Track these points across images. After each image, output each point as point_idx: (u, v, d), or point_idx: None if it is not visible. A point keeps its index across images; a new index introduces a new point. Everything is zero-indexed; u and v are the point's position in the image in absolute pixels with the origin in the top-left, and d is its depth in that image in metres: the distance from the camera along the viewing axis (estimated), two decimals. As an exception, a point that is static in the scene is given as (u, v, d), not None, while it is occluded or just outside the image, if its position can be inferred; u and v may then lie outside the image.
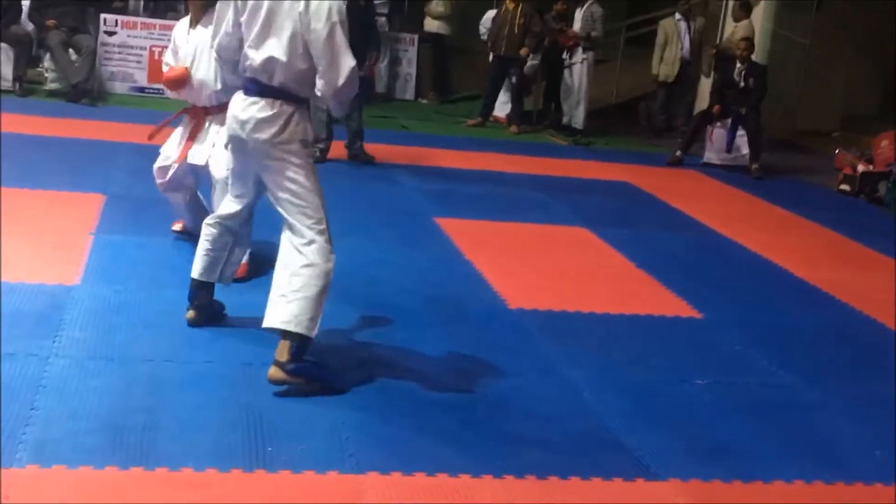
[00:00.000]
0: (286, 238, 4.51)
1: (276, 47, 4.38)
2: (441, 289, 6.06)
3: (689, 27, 12.59)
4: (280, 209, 4.51)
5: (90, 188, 7.33)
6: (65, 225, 6.41)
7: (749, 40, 11.55)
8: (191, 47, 5.83)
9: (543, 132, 12.70)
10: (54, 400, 4.07)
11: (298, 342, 4.39)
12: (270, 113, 4.42)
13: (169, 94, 6.35)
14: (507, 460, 4.00)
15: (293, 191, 4.45)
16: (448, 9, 13.65)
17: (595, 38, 12.39)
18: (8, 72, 10.88)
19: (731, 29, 12.70)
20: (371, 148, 9.72)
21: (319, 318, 4.43)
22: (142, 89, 11.62)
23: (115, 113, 10.53)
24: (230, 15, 4.53)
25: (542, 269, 6.71)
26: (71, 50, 11.00)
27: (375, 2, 12.83)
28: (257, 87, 4.46)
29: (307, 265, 4.42)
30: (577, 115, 12.56)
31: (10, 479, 3.46)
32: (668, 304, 6.26)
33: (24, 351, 4.47)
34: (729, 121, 11.24)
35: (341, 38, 4.32)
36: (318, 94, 4.43)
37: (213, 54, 4.96)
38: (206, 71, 5.75)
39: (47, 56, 11.14)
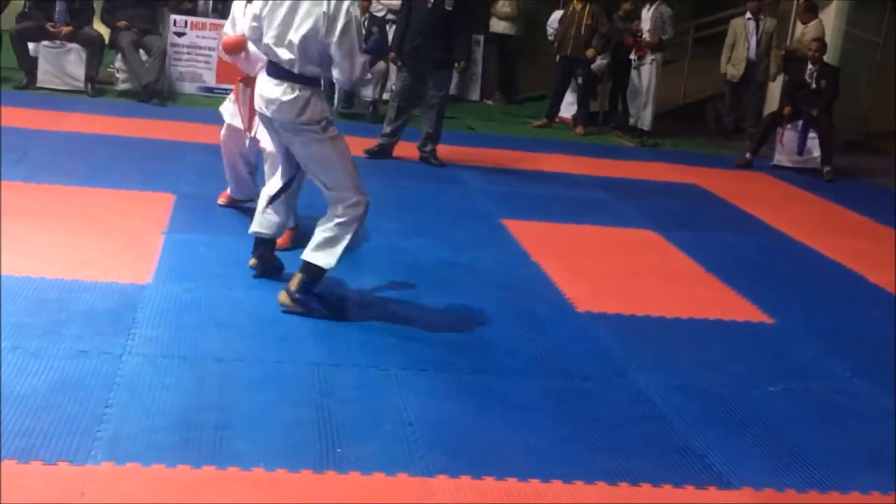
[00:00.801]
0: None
1: (293, 46, 4.91)
2: (509, 291, 6.03)
3: (757, 27, 12.41)
4: (311, 176, 5.20)
5: (161, 187, 7.41)
6: (137, 224, 6.49)
7: (821, 41, 11.36)
8: (247, 20, 5.93)
9: (610, 133, 12.61)
10: (128, 397, 4.12)
11: (308, 273, 5.10)
12: (292, 97, 4.98)
13: (225, 57, 6.62)
14: (576, 465, 3.97)
15: (319, 159, 5.07)
16: (514, 10, 13.60)
17: (665, 40, 12.28)
18: (80, 72, 11.06)
19: (801, 30, 12.51)
20: (437, 149, 9.71)
21: (338, 255, 5.07)
22: (210, 89, 11.73)
23: (184, 113, 10.65)
24: (252, 9, 5.17)
25: (609, 272, 6.66)
26: (141, 50, 11.15)
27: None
28: (278, 71, 5.02)
29: (335, 216, 5.08)
30: (644, 117, 12.47)
31: (85, 475, 3.51)
32: (738, 308, 6.17)
33: (99, 349, 4.53)
34: (800, 123, 11.06)
35: (355, 34, 4.89)
36: (335, 82, 5.04)
37: None
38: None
39: (118, 57, 11.29)
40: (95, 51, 11.10)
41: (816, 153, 11.06)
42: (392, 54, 9.57)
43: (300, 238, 5.99)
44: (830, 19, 12.73)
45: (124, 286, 5.35)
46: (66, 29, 10.91)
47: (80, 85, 11.05)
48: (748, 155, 11.24)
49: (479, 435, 4.16)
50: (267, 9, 5.03)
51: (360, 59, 4.95)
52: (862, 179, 11.23)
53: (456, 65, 9.38)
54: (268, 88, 5.06)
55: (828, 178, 10.82)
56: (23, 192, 6.87)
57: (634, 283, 6.48)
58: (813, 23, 12.25)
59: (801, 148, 11.09)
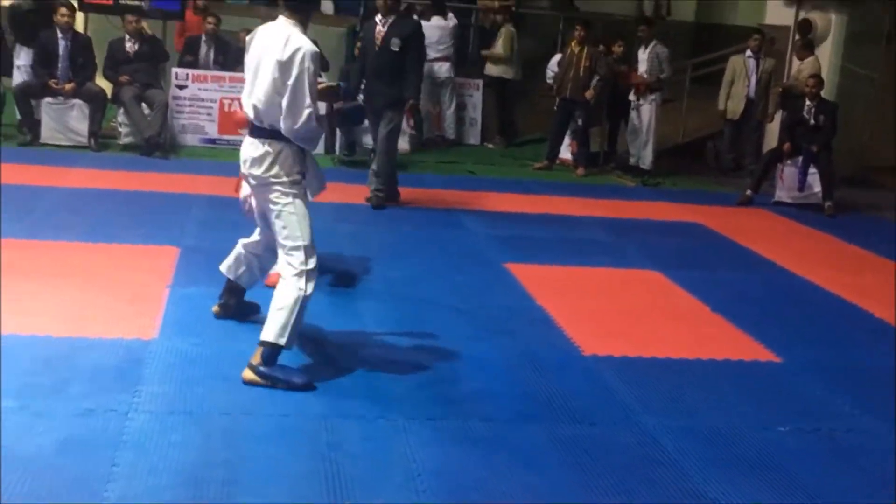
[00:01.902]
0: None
1: (259, 94, 4.96)
2: (514, 336, 6.03)
3: (757, 66, 12.48)
4: (272, 230, 5.13)
5: (165, 241, 7.44)
6: (141, 278, 6.50)
7: (818, 77, 11.41)
8: None
9: (610, 173, 12.65)
10: (135, 455, 4.10)
11: (269, 349, 4.94)
12: (262, 152, 5.01)
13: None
14: (587, 512, 3.95)
15: (277, 215, 5.02)
16: (507, 50, 13.68)
17: (664, 80, 12.35)
18: (83, 128, 11.13)
19: (797, 67, 12.57)
20: (439, 193, 9.73)
21: (290, 328, 4.92)
22: (213, 141, 11.80)
23: (187, 165, 10.71)
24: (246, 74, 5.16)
25: (614, 313, 6.65)
26: (144, 104, 11.23)
27: (432, 47, 13.00)
28: (254, 129, 5.07)
29: (284, 283, 5.00)
30: (644, 156, 12.51)
31: (94, 536, 3.50)
32: (745, 347, 6.16)
33: (105, 406, 4.53)
34: (800, 159, 11.09)
35: (304, 84, 4.85)
36: (282, 132, 4.93)
37: None
38: None
39: (121, 111, 11.37)
40: (98, 106, 11.18)
41: (817, 189, 11.07)
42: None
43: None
44: (826, 55, 12.79)
45: (130, 342, 5.36)
46: (68, 86, 11.00)
47: (84, 140, 11.12)
48: (749, 192, 11.26)
49: (487, 484, 4.13)
50: (246, 67, 5.12)
51: (307, 111, 4.86)
52: (862, 213, 11.25)
53: (407, 104, 9.37)
54: (244, 147, 5.13)
55: (829, 213, 10.84)
56: (27, 250, 6.89)
57: (640, 324, 6.47)
58: (809, 59, 12.32)
59: (802, 184, 11.11)
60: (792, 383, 5.63)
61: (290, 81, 4.83)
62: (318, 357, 5.39)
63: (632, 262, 8.11)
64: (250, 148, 5.07)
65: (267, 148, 5.00)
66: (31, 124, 11.07)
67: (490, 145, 13.89)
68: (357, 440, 4.43)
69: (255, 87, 4.99)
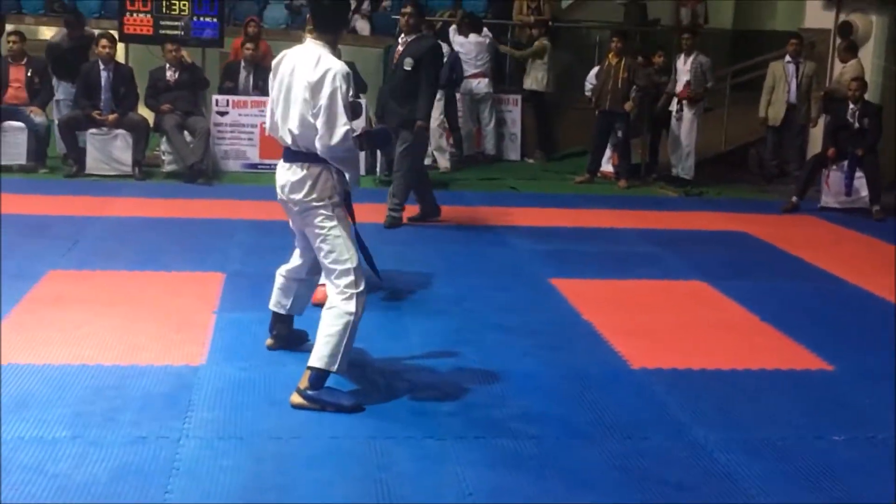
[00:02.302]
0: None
1: (293, 118, 4.93)
2: (561, 352, 6.00)
3: (797, 70, 12.36)
4: (318, 254, 5.08)
5: (210, 267, 7.49)
6: (188, 305, 6.55)
7: (861, 80, 11.28)
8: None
9: (653, 185, 12.58)
10: (187, 482, 4.12)
11: (316, 373, 4.91)
12: (301, 175, 4.98)
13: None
14: (642, 529, 3.91)
15: (322, 238, 4.99)
16: (534, 59, 13.68)
17: (708, 90, 12.28)
18: (127, 157, 11.27)
19: (840, 70, 12.44)
20: (481, 210, 9.72)
21: (341, 355, 4.89)
22: (255, 165, 11.89)
23: (230, 191, 10.79)
24: (272, 97, 5.13)
25: (662, 326, 6.60)
26: (186, 132, 11.34)
27: (469, 63, 13.00)
28: (289, 153, 5.05)
29: (330, 307, 4.96)
30: (687, 166, 12.42)
31: (149, 564, 3.51)
32: (796, 357, 6.08)
33: (156, 434, 4.56)
34: (845, 163, 10.96)
35: (337, 103, 4.81)
36: (318, 153, 4.88)
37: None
38: None
39: (163, 139, 11.50)
40: (141, 135, 11.32)
41: (864, 193, 10.93)
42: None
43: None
44: (869, 57, 12.65)
45: (179, 368, 5.39)
46: (111, 117, 11.14)
47: (128, 169, 11.25)
48: (795, 199, 11.14)
49: (541, 502, 4.10)
50: (273, 93, 5.10)
51: (342, 129, 4.80)
52: (913, 216, 11.08)
53: (416, 125, 9.22)
54: (280, 173, 5.09)
55: (877, 217, 10.70)
56: (75, 280, 6.97)
57: (688, 337, 6.41)
58: (852, 62, 12.17)
59: (849, 189, 10.98)
60: (845, 392, 5.54)
61: (324, 102, 4.80)
62: (364, 378, 5.39)
63: (677, 274, 8.05)
64: (287, 173, 5.04)
65: (305, 171, 4.96)
66: (77, 156, 11.22)
67: (530, 160, 13.87)
68: (407, 461, 4.41)
69: (289, 112, 4.95)
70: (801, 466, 4.56)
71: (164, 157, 11.57)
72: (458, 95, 13.17)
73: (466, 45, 13.26)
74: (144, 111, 11.67)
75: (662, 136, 13.05)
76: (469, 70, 13.14)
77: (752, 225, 10.10)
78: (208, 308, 6.49)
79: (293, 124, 4.93)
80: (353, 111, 5.15)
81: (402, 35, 9.30)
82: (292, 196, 5.01)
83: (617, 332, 6.34)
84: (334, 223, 4.98)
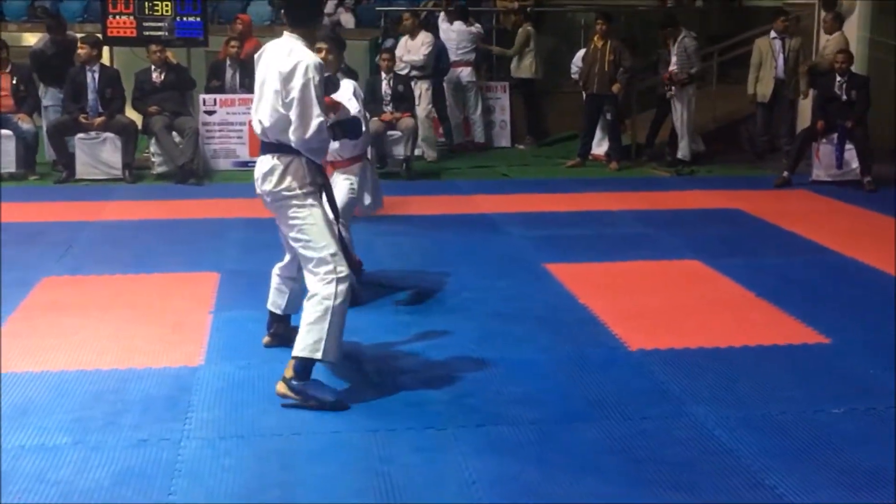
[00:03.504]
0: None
1: (264, 109, 4.92)
2: (559, 336, 6.00)
3: (784, 45, 12.34)
4: (294, 247, 5.06)
5: (205, 267, 7.48)
6: (184, 306, 6.55)
7: (846, 52, 11.28)
8: None
9: (645, 165, 12.57)
10: (190, 483, 4.13)
11: (301, 362, 4.87)
12: (270, 165, 4.96)
13: None
14: (645, 509, 3.92)
15: (297, 228, 4.95)
16: (517, 50, 13.67)
17: (693, 74, 12.23)
18: (117, 160, 11.24)
19: (824, 43, 12.43)
20: (473, 199, 9.72)
21: (325, 341, 4.82)
22: (245, 163, 11.84)
23: (221, 190, 10.77)
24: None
25: (659, 307, 6.60)
26: (174, 133, 11.32)
27: (452, 52, 12.97)
28: (262, 145, 5.05)
29: (311, 296, 4.92)
30: (682, 147, 12.37)
31: (155, 566, 3.51)
32: (793, 331, 6.09)
33: (157, 436, 4.56)
34: (835, 136, 10.97)
35: (310, 94, 4.75)
36: (292, 145, 4.85)
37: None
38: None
39: (152, 141, 11.47)
40: (130, 138, 11.29)
41: (855, 165, 10.94)
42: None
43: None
44: (854, 29, 12.64)
45: (177, 370, 5.39)
46: (98, 120, 11.11)
47: (118, 173, 11.22)
48: (786, 173, 11.14)
49: (543, 488, 4.11)
50: (255, 88, 5.09)
51: (316, 121, 4.76)
52: (905, 186, 11.08)
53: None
54: (257, 166, 5.08)
55: (869, 188, 10.71)
56: (70, 286, 6.97)
57: (685, 316, 6.42)
58: (835, 35, 12.18)
59: (840, 161, 10.98)
60: (843, 364, 5.56)
61: (296, 94, 4.75)
62: (361, 370, 5.40)
63: (672, 254, 8.05)
64: (260, 165, 5.04)
65: (276, 161, 4.94)
66: (66, 161, 11.20)
67: (521, 146, 13.86)
68: (409, 452, 4.42)
69: (261, 103, 4.95)
70: (801, 440, 4.57)
71: (153, 159, 11.54)
72: (444, 85, 13.18)
73: (450, 33, 13.26)
74: (132, 114, 11.63)
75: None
76: (452, 58, 13.14)
77: (745, 201, 10.11)
78: (204, 308, 6.49)
79: (263, 115, 4.92)
80: (332, 85, 5.18)
81: None
82: (264, 187, 5.00)
83: (613, 315, 6.34)
84: (307, 211, 4.94)
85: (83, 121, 11.10)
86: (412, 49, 12.54)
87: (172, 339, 5.90)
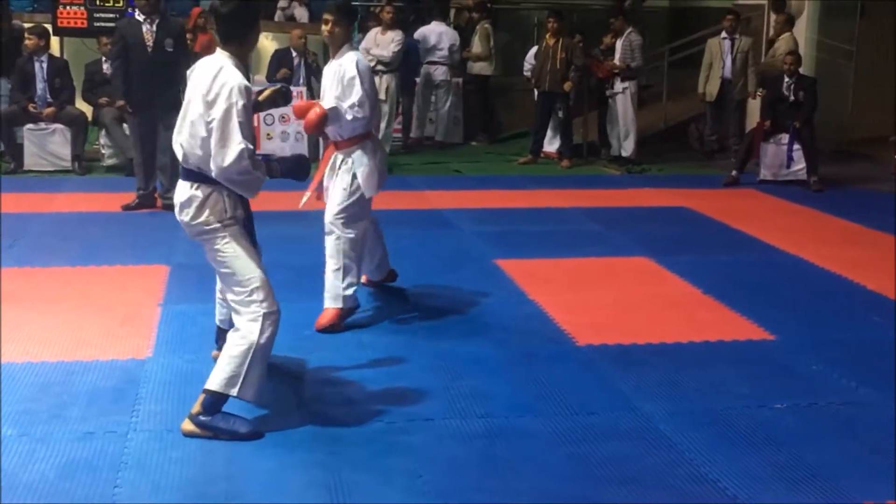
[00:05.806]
0: None
1: (185, 133, 4.56)
2: (508, 332, 6.04)
3: (732, 45, 12.49)
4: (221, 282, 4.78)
5: (154, 260, 7.44)
6: (132, 299, 6.50)
7: (795, 53, 11.45)
8: (325, 80, 6.05)
9: (596, 164, 12.66)
10: (137, 475, 4.11)
11: (211, 397, 4.52)
12: (187, 196, 4.59)
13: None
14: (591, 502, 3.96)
15: (220, 263, 4.62)
16: (486, 49, 13.71)
17: (635, 68, 12.34)
18: (66, 152, 11.12)
19: (774, 45, 12.60)
20: (425, 194, 9.75)
21: (242, 378, 4.48)
22: (196, 157, 11.78)
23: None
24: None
25: (607, 302, 6.67)
26: (125, 125, 11.19)
27: (430, 51, 13.03)
28: (183, 172, 4.67)
29: (235, 329, 4.59)
30: (627, 145, 12.49)
31: (100, 558, 3.50)
32: (739, 328, 6.18)
33: (104, 429, 4.54)
34: (784, 136, 11.12)
35: (232, 120, 4.40)
36: (213, 174, 4.49)
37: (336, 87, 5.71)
38: (328, 103, 5.89)
39: (102, 133, 11.36)
40: (79, 129, 11.17)
41: (802, 165, 11.10)
42: (122, 103, 9.33)
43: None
44: (802, 30, 12.82)
45: (125, 362, 5.36)
46: (48, 110, 10.99)
47: (68, 164, 11.10)
48: (734, 172, 11.28)
49: (489, 482, 4.14)
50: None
51: (236, 148, 4.36)
52: (849, 187, 11.26)
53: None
54: (176, 193, 4.71)
55: (815, 188, 10.87)
56: (18, 277, 6.89)
57: (633, 312, 6.49)
58: (783, 36, 12.36)
59: (790, 161, 11.13)
60: (787, 360, 5.65)
61: (217, 118, 4.39)
62: (306, 361, 5.40)
63: (621, 251, 8.13)
64: (179, 192, 4.65)
65: (194, 192, 4.55)
66: (14, 152, 11.05)
67: (474, 143, 13.90)
68: (357, 445, 4.44)
69: (183, 124, 4.58)
70: (745, 434, 4.65)
71: (103, 151, 11.43)
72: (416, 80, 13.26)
73: (428, 33, 13.32)
74: (82, 105, 11.51)
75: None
76: (430, 58, 13.20)
77: (694, 200, 10.22)
78: (153, 301, 6.45)
79: (183, 138, 4.56)
80: (283, 98, 4.98)
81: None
82: (182, 218, 4.62)
83: (562, 311, 6.40)
84: (229, 246, 4.57)
85: (32, 110, 10.97)
86: (381, 44, 12.49)
87: (121, 331, 5.86)
